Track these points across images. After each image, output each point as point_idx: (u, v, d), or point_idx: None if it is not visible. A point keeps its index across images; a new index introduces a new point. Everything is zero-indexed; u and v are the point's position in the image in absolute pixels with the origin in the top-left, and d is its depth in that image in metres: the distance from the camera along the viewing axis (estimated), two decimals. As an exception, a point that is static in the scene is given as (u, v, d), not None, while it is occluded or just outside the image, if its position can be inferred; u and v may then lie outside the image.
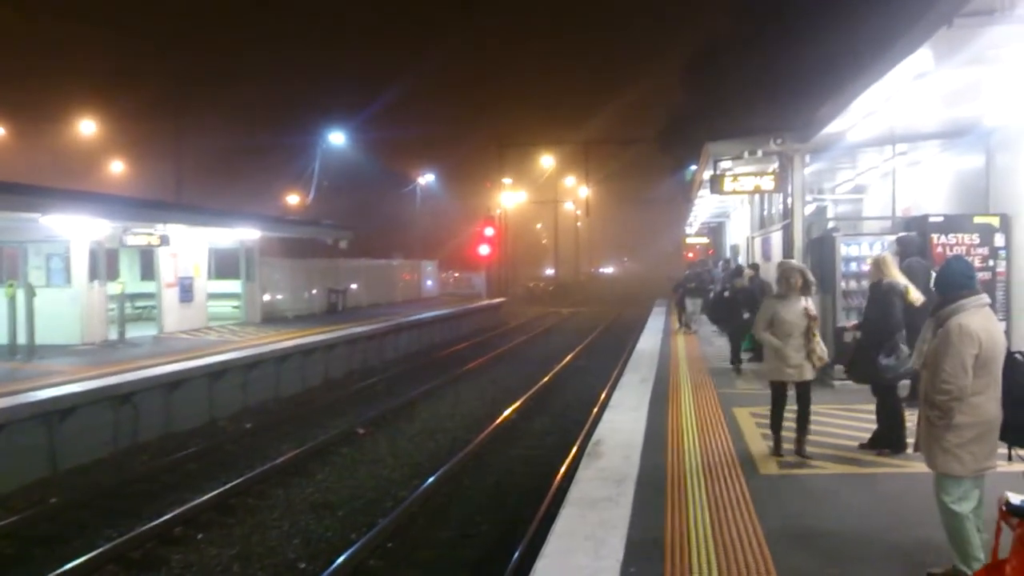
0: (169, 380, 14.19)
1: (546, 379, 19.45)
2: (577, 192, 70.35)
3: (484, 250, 45.93)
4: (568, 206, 77.59)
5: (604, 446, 8.52)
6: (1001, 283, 11.22)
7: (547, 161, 63.04)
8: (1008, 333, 10.54)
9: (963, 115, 10.84)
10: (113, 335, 19.08)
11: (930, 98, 9.45)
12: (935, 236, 11.46)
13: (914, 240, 10.49)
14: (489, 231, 46.18)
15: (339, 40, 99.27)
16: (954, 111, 10.59)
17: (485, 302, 40.63)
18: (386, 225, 52.89)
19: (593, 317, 41.05)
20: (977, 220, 11.48)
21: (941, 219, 11.72)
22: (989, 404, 4.82)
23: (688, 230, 40.82)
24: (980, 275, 10.85)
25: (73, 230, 18.24)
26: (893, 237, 11.77)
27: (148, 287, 23.21)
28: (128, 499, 10.47)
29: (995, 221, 11.37)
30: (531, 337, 31.02)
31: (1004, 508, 3.21)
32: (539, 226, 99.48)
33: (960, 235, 11.39)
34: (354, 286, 33.11)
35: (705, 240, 40.17)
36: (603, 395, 15.87)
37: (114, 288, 19.80)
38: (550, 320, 39.76)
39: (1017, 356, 4.83)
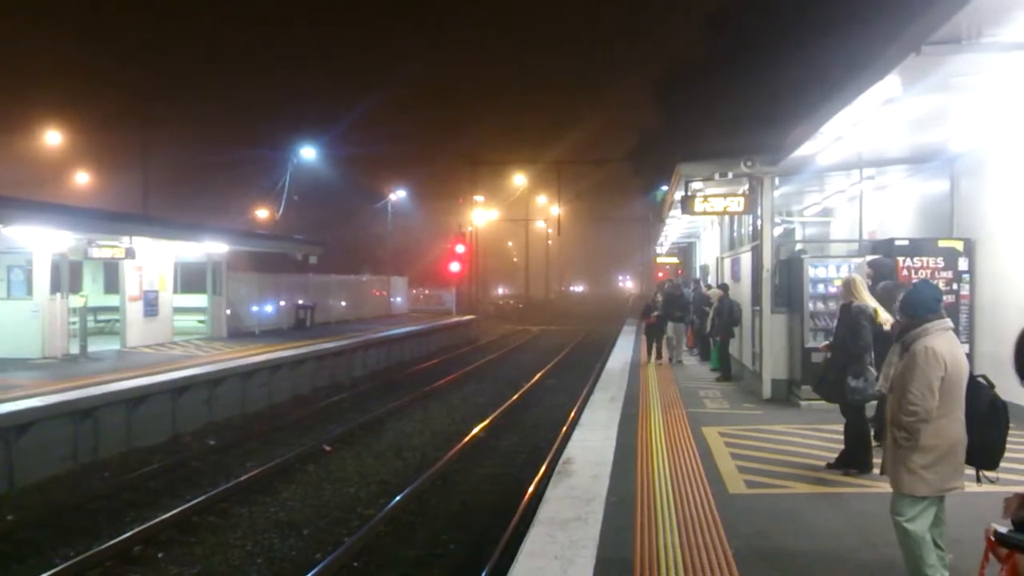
0: (131, 395, 13.94)
1: (515, 397, 19.38)
2: (549, 211, 70.68)
3: (455, 267, 45.88)
4: (539, 224, 77.86)
5: (574, 465, 8.48)
6: (965, 306, 11.40)
7: (519, 180, 63.26)
8: (971, 356, 10.69)
9: (929, 141, 11.02)
10: (75, 349, 18.75)
11: (897, 124, 9.60)
12: (900, 259, 11.62)
13: (886, 263, 10.61)
14: (460, 248, 46.15)
15: (311, 56, 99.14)
16: (920, 137, 10.77)
17: (455, 319, 40.51)
18: (356, 241, 52.68)
19: (563, 335, 41.09)
20: (942, 244, 11.67)
21: (906, 243, 11.91)
22: (953, 426, 4.86)
23: (659, 250, 41.04)
24: (944, 298, 11.09)
25: (36, 242, 17.93)
26: (860, 260, 11.92)
27: (112, 300, 22.88)
28: (87, 517, 10.23)
29: (959, 245, 11.56)
30: (501, 355, 30.95)
31: (992, 538, 3.20)
32: (510, 244, 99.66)
33: (925, 258, 11.57)
34: (323, 302, 32.87)
35: (675, 260, 40.41)
36: (572, 414, 15.84)
37: (77, 301, 19.46)
38: (520, 338, 39.73)
39: (980, 380, 4.88)
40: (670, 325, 19.13)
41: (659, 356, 18.91)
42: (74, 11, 72.71)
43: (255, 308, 27.74)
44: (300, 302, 30.41)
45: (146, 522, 9.68)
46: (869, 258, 11.31)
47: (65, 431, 12.43)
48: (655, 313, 19.18)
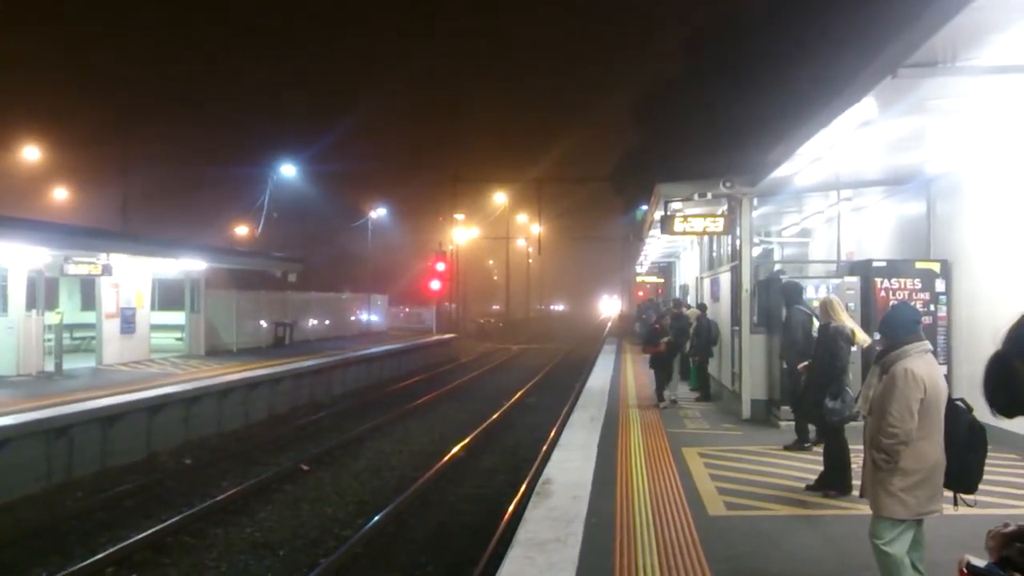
0: (106, 413, 13.75)
1: (495, 416, 19.30)
2: (529, 229, 70.73)
3: (435, 285, 45.74)
4: (520, 243, 77.90)
5: (553, 486, 8.43)
6: (942, 328, 11.48)
7: (500, 198, 63.28)
8: (948, 378, 10.73)
9: (906, 163, 11.14)
10: (50, 366, 18.52)
11: (874, 146, 9.71)
12: (878, 280, 11.71)
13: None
14: (440, 266, 46.04)
15: (292, 74, 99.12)
16: (897, 159, 10.89)
17: (435, 338, 40.40)
18: (337, 258, 52.49)
19: (543, 354, 41.03)
20: (919, 265, 11.77)
21: (884, 264, 11.99)
22: (932, 449, 4.86)
23: (639, 269, 41.17)
24: (922, 320, 11.19)
25: (11, 257, 17.72)
26: (838, 280, 12.01)
27: (88, 317, 22.61)
28: (59, 537, 10.05)
29: (936, 267, 11.66)
30: (481, 373, 30.87)
31: (965, 570, 3.18)
32: (491, 262, 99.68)
33: (902, 280, 11.66)
34: (302, 319, 32.66)
35: (655, 279, 40.56)
36: (552, 433, 15.78)
37: (52, 318, 19.24)
38: (500, 357, 39.64)
39: (958, 403, 4.89)
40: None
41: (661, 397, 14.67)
42: (55, 27, 72.38)
43: (233, 326, 27.49)
44: (279, 320, 30.20)
45: (120, 543, 9.53)
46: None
47: (38, 450, 12.23)
48: (665, 339, 14.76)
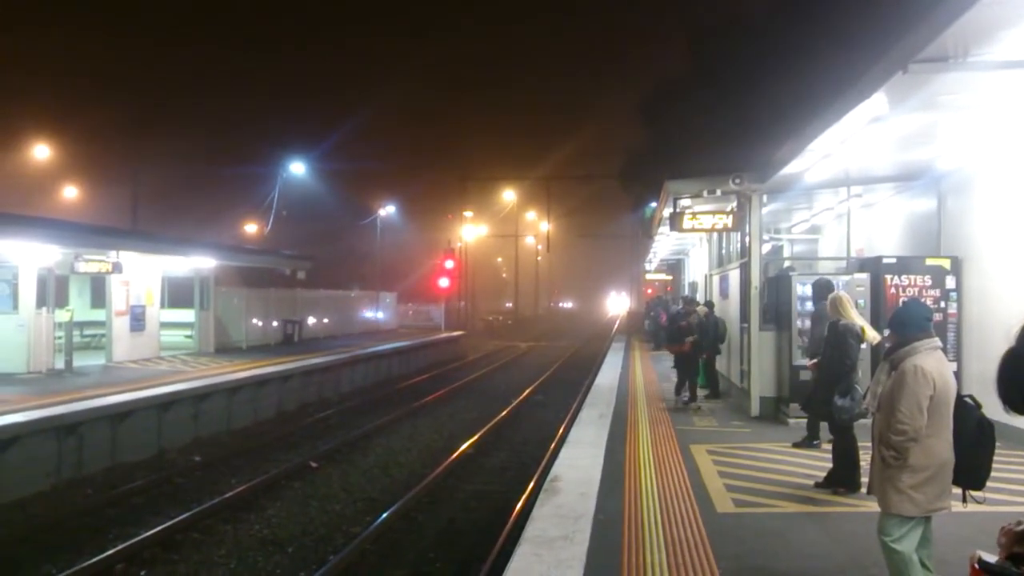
0: (116, 411, 13.81)
1: (504, 413, 19.31)
2: (538, 227, 70.74)
3: (444, 283, 45.76)
4: (529, 240, 77.89)
5: (561, 483, 8.43)
6: (952, 324, 11.43)
7: (509, 195, 63.30)
8: (958, 374, 10.71)
9: (916, 159, 11.08)
10: (60, 364, 18.60)
11: (885, 142, 9.65)
12: (888, 277, 11.66)
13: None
14: (449, 264, 46.05)
15: (302, 72, 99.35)
16: (908, 155, 10.83)
17: (444, 335, 40.40)
18: (345, 256, 52.57)
19: (551, 352, 41.01)
20: (929, 262, 11.72)
21: (894, 260, 11.95)
22: (942, 446, 4.83)
23: (648, 266, 41.11)
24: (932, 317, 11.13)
25: (22, 255, 17.80)
26: (848, 277, 11.96)
27: (98, 315, 22.70)
28: (69, 534, 10.09)
29: (946, 263, 11.61)
30: (489, 371, 30.86)
31: (976, 566, 3.15)
32: (500, 260, 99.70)
33: (912, 276, 11.61)
34: (311, 317, 32.72)
35: (664, 276, 40.47)
36: (561, 430, 15.78)
37: (63, 316, 19.32)
38: (509, 354, 39.62)
39: (967, 400, 4.86)
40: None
41: (691, 397, 14.53)
42: (62, 27, 72.71)
43: (242, 323, 27.57)
44: (288, 317, 30.26)
45: (129, 539, 9.56)
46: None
47: (49, 447, 12.29)
48: (691, 338, 14.66)
